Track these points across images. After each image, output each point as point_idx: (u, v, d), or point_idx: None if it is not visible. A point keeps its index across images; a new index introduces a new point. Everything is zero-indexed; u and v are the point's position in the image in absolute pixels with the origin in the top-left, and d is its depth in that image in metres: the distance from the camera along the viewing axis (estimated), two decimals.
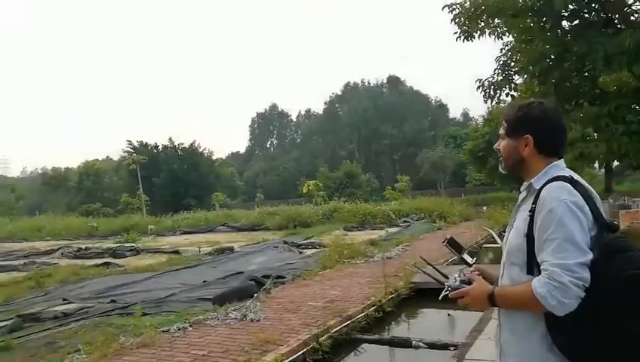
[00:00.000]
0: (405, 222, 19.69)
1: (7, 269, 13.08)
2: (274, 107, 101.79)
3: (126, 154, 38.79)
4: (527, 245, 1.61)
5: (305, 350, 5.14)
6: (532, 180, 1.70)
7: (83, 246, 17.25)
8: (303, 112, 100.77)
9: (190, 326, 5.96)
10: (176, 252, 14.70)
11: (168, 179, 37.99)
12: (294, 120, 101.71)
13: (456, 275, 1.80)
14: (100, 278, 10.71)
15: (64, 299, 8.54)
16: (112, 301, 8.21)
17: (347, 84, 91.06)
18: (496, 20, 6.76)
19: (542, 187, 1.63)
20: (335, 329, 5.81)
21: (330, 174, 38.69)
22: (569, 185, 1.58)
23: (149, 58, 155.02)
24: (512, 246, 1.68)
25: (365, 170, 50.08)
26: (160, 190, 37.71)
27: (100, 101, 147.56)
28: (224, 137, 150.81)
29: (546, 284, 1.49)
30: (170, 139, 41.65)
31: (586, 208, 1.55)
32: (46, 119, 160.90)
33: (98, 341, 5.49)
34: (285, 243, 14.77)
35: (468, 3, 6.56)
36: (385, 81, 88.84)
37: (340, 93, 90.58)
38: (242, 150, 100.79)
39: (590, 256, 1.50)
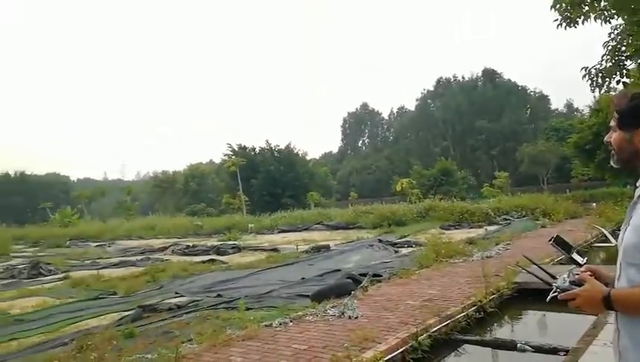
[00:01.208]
0: (505, 219, 18.81)
1: (126, 264, 14.38)
2: (365, 106, 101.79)
3: (226, 157, 40.91)
4: None
5: (404, 348, 5.13)
6: None
7: (190, 244, 18.45)
8: (394, 110, 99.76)
9: (291, 321, 6.17)
10: (275, 250, 15.23)
11: (266, 180, 39.49)
12: (386, 118, 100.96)
13: (565, 276, 1.72)
14: (207, 274, 11.42)
15: (176, 293, 9.23)
16: (218, 295, 8.73)
17: (439, 80, 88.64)
18: (602, 3, 6.21)
19: None
20: (434, 329, 5.73)
21: (424, 172, 37.91)
22: None
23: (248, 66, 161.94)
24: (629, 245, 1.58)
25: (461, 167, 48.45)
26: (258, 190, 39.30)
27: (204, 106, 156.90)
28: (317, 138, 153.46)
29: None
30: (266, 141, 43.37)
31: None
32: (156, 125, 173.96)
33: (207, 332, 5.87)
34: (380, 241, 14.75)
35: None
36: (479, 75, 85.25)
37: (432, 89, 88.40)
38: (335, 150, 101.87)
39: None
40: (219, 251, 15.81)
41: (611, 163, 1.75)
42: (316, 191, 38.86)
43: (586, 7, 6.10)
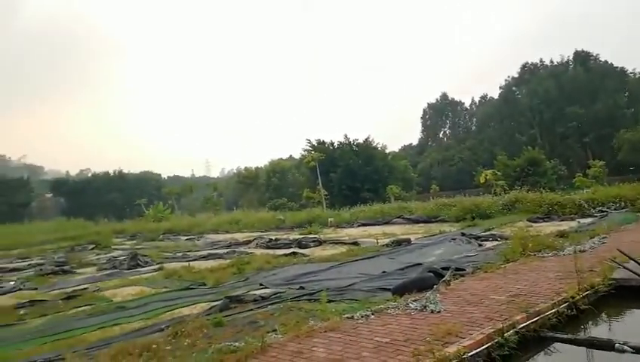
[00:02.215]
0: (601, 211, 17.55)
1: (214, 257, 15.11)
2: (445, 96, 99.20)
3: (306, 152, 41.58)
4: None
5: (489, 344, 4.98)
6: None
7: (273, 237, 19.00)
8: (477, 99, 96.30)
9: (372, 314, 6.19)
10: (355, 243, 15.30)
11: (345, 174, 39.69)
12: (467, 107, 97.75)
13: None
14: (289, 267, 11.71)
15: (260, 284, 9.56)
16: (301, 287, 8.93)
17: (524, 65, 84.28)
18: None
19: None
20: (522, 325, 5.50)
21: (510, 162, 36.18)
22: None
23: (329, 62, 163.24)
24: None
25: (550, 156, 45.73)
26: (337, 184, 39.60)
27: (285, 104, 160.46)
28: (396, 131, 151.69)
29: None
30: (345, 135, 43.57)
31: None
32: (238, 124, 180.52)
33: (291, 323, 6.04)
34: (463, 235, 14.35)
35: None
36: (570, 58, 79.88)
37: (516, 75, 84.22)
38: (415, 142, 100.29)
39: None
40: (300, 244, 16.15)
41: None
42: (396, 185, 38.45)
43: None
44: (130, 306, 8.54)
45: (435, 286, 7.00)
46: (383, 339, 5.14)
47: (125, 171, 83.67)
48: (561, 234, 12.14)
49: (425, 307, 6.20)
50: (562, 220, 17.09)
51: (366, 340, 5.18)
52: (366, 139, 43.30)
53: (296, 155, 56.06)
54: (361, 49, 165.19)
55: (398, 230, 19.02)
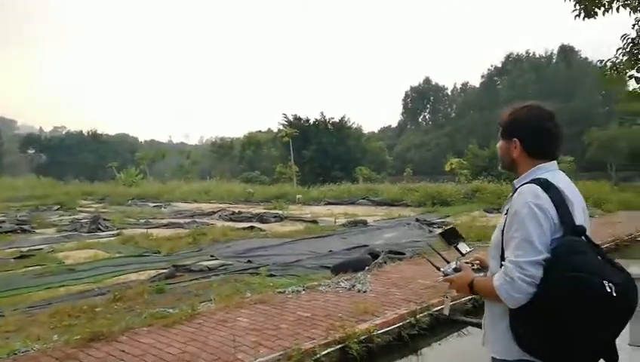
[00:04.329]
0: None
1: (174, 226, 15.33)
2: (428, 80, 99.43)
3: (281, 126, 41.68)
4: (502, 241, 1.76)
5: (400, 324, 5.42)
6: (515, 181, 1.83)
7: (237, 210, 19.28)
8: (458, 86, 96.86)
9: (304, 289, 6.58)
10: (314, 221, 15.71)
11: (317, 152, 39.99)
12: (449, 93, 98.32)
13: (453, 263, 2.00)
14: (244, 240, 12.03)
15: (211, 256, 9.88)
16: (249, 261, 9.28)
17: (509, 56, 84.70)
18: None
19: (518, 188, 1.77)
20: (437, 309, 5.95)
21: (480, 152, 36.92)
22: (539, 188, 1.69)
23: (307, 37, 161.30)
24: (493, 241, 1.85)
25: None
26: (309, 162, 39.90)
27: (268, 76, 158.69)
28: (377, 111, 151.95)
29: (500, 278, 1.66)
30: (321, 113, 43.69)
31: (551, 211, 1.65)
32: (220, 92, 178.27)
33: (226, 294, 6.41)
34: (417, 220, 14.85)
35: None
36: (554, 52, 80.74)
37: (499, 65, 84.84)
38: (394, 124, 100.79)
39: (543, 255, 1.61)
40: (262, 219, 16.48)
41: (498, 167, 2.02)
42: (367, 166, 38.94)
43: None
44: (79, 269, 8.78)
45: (367, 268, 7.43)
46: (305, 314, 5.53)
47: (100, 132, 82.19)
48: None
49: (353, 286, 6.63)
50: None
51: (289, 313, 5.57)
52: (341, 119, 43.55)
53: (275, 129, 56.08)
54: (347, 27, 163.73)
55: (360, 211, 19.49)
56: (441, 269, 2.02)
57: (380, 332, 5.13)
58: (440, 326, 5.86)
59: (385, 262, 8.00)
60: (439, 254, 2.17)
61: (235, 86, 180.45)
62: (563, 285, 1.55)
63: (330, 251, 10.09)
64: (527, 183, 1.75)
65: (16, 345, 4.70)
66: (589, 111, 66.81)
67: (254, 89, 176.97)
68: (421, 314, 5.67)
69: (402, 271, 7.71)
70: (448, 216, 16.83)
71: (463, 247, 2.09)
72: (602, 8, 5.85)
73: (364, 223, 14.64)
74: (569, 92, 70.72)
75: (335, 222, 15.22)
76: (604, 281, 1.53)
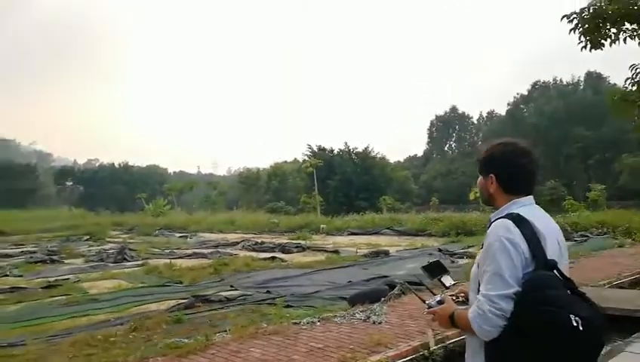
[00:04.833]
0: (582, 236, 17.81)
1: (198, 256, 15.52)
2: (454, 109, 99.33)
3: (306, 157, 42.07)
4: (479, 274, 1.81)
5: (414, 356, 5.37)
6: (491, 215, 1.88)
7: (260, 241, 19.41)
8: (484, 114, 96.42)
9: (318, 321, 6.59)
10: (336, 252, 15.67)
11: (342, 182, 40.17)
12: (475, 122, 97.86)
13: (438, 296, 2.04)
14: (265, 271, 12.08)
15: (231, 286, 9.95)
16: (268, 291, 9.32)
17: (535, 83, 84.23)
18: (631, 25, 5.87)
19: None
20: (453, 341, 5.86)
21: None
22: (511, 222, 1.74)
23: (331, 67, 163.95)
24: (471, 274, 1.89)
25: (551, 177, 45.81)
26: (333, 192, 40.05)
27: (290, 107, 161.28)
28: (402, 141, 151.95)
29: (474, 311, 1.70)
30: (345, 143, 44.03)
31: (522, 246, 1.69)
32: (247, 124, 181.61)
33: (242, 324, 6.47)
34: (439, 250, 14.69)
35: (587, 13, 5.80)
36: (582, 79, 79.81)
37: (525, 93, 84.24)
38: (420, 153, 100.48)
39: (513, 289, 1.65)
40: (284, 249, 16.54)
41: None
42: (392, 196, 38.79)
43: (613, 30, 5.82)
44: (102, 299, 8.97)
45: (383, 299, 7.39)
46: (317, 345, 5.54)
47: (131, 164, 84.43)
48: None
49: (369, 317, 6.60)
50: None
51: (302, 345, 5.58)
52: (365, 148, 43.79)
53: (300, 159, 56.66)
54: (371, 58, 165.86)
55: (384, 241, 19.37)
56: (426, 302, 2.06)
57: None
58: (455, 359, 5.77)
59: (403, 293, 7.93)
60: (427, 287, 2.22)
61: (262, 116, 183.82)
62: (532, 318, 1.59)
63: (350, 282, 10.06)
64: (500, 218, 1.81)
65: None
66: (619, 137, 65.25)
67: (280, 119, 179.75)
68: (435, 347, 5.60)
69: (419, 303, 7.61)
70: (472, 246, 16.56)
71: (447, 280, 2.13)
72: (609, 40, 5.86)
73: (386, 253, 14.55)
74: (598, 118, 69.39)
75: (357, 252, 15.17)
76: (571, 315, 1.55)
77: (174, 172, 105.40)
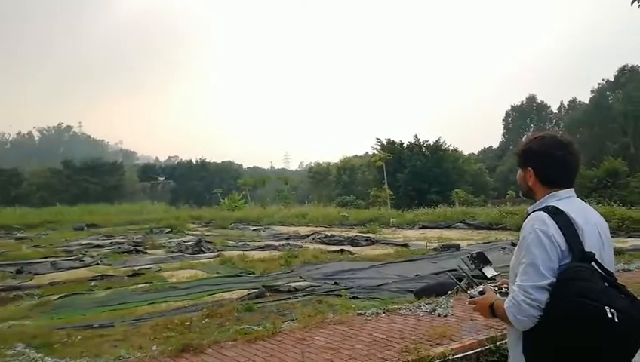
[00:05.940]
0: None
1: (270, 248, 16.04)
2: (532, 99, 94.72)
3: (375, 151, 41.91)
4: (515, 266, 1.83)
5: (479, 349, 5.30)
6: (529, 208, 1.88)
7: (330, 234, 19.67)
8: (565, 103, 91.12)
9: (384, 312, 6.65)
10: (405, 245, 15.59)
11: (412, 175, 39.63)
12: (555, 112, 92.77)
13: (480, 287, 2.06)
14: (334, 263, 12.26)
15: (300, 277, 10.23)
16: (335, 283, 9.49)
17: (623, 69, 78.29)
18: None
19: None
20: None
21: (587, 173, 34.28)
22: (547, 215, 1.74)
23: (402, 61, 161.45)
24: (511, 266, 1.91)
25: None
26: (404, 185, 39.61)
27: (360, 100, 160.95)
28: (477, 133, 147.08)
29: (509, 301, 1.73)
30: (415, 136, 43.36)
31: (557, 237, 1.69)
32: (318, 119, 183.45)
33: (309, 313, 6.67)
34: (513, 244, 14.17)
35: None
36: None
37: (612, 79, 78.55)
38: (495, 145, 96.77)
39: (548, 280, 1.66)
40: (353, 242, 16.68)
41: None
42: (465, 189, 37.76)
43: None
44: (180, 287, 9.55)
45: (449, 292, 7.31)
46: (380, 335, 5.61)
47: (208, 160, 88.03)
48: (618, 252, 11.72)
49: (434, 310, 6.57)
50: (629, 236, 16.30)
51: (365, 334, 5.67)
52: (436, 141, 42.83)
53: (370, 153, 56.52)
54: (442, 51, 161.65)
55: (455, 235, 19.00)
56: (469, 292, 2.09)
57: (455, 357, 5.06)
58: None
59: (471, 286, 7.79)
60: (469, 277, 2.24)
61: (333, 111, 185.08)
62: (563, 309, 1.59)
63: (417, 275, 10.01)
64: (537, 210, 1.81)
65: (121, 352, 5.30)
66: None
67: (350, 113, 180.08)
68: (502, 341, 5.49)
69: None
70: None
71: (489, 271, 2.15)
72: None
73: (457, 247, 14.29)
74: None
75: (426, 245, 15.00)
76: (606, 307, 1.54)
77: (248, 167, 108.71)
